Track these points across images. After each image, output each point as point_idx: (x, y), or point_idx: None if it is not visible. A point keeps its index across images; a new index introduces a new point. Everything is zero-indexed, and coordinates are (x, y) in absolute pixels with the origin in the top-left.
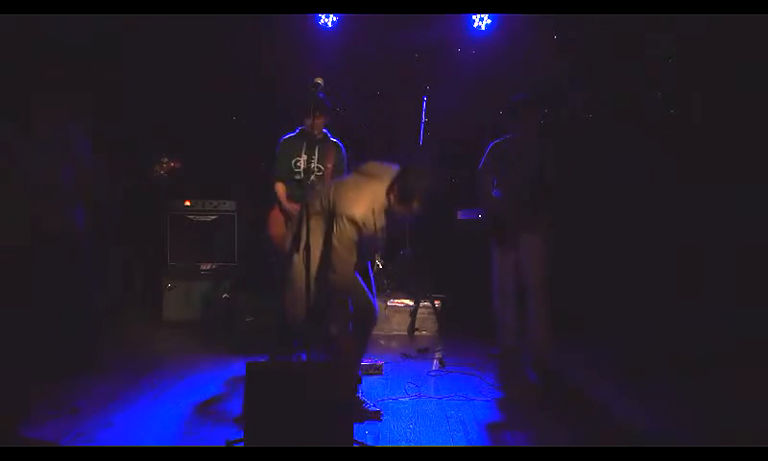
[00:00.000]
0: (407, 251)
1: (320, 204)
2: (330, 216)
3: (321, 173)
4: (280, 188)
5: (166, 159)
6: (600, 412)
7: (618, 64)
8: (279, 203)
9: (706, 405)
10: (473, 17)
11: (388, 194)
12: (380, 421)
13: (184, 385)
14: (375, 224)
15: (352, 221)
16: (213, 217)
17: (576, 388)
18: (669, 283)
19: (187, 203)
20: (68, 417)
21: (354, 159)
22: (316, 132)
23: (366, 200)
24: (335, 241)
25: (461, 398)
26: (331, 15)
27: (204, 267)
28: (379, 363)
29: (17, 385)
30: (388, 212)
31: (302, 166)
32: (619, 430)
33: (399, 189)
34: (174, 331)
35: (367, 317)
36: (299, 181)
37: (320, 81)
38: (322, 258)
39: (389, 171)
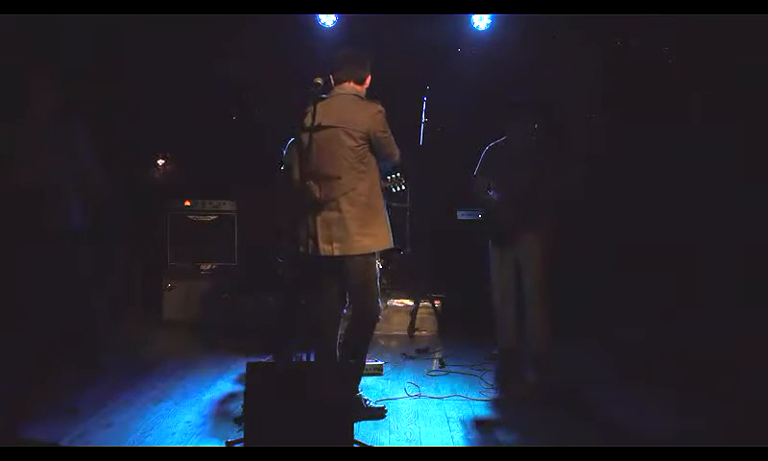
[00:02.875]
0: (407, 251)
1: (304, 171)
2: (325, 161)
3: None
4: None
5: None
6: (599, 412)
7: (618, 64)
8: None
9: (705, 405)
10: (473, 17)
11: (357, 94)
12: (384, 417)
13: (184, 385)
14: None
15: (378, 112)
16: (213, 217)
17: (575, 388)
18: (669, 283)
19: (187, 203)
20: (68, 417)
21: None
22: None
23: (357, 104)
24: (379, 133)
25: (461, 398)
26: (331, 15)
27: (203, 267)
28: (379, 363)
29: (17, 385)
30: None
31: None
32: (618, 430)
33: (356, 79)
34: (174, 331)
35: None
36: None
37: (320, 80)
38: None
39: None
